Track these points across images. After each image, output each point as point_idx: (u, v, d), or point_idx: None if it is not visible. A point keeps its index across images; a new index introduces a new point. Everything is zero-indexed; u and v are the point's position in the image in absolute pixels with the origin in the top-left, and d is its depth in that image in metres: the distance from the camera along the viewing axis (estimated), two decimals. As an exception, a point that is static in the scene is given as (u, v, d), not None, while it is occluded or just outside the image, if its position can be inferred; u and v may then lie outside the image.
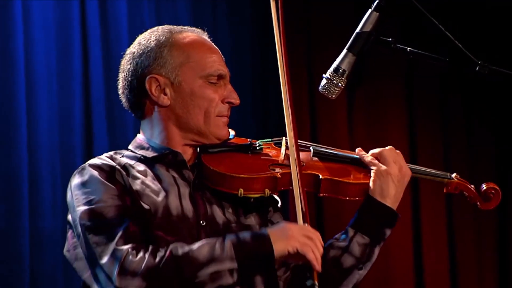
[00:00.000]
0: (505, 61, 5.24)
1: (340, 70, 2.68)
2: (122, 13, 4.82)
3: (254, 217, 2.71)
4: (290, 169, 2.59)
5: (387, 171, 2.72)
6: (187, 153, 2.75)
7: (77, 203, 2.56)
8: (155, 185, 2.64)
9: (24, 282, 4.43)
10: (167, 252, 2.44)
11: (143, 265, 2.42)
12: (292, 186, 2.60)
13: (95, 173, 2.60)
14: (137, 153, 2.74)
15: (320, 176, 2.70)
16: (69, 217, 2.62)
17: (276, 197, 2.81)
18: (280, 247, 2.49)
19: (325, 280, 2.65)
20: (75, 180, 2.62)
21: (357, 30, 2.67)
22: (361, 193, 2.73)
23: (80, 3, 4.70)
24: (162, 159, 2.71)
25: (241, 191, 2.63)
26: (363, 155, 2.78)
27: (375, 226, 2.70)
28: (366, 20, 2.66)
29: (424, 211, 5.70)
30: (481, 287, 5.77)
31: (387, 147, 2.78)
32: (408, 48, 2.66)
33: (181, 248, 2.46)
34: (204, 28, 2.89)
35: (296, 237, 2.51)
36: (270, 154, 2.80)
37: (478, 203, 2.86)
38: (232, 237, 2.50)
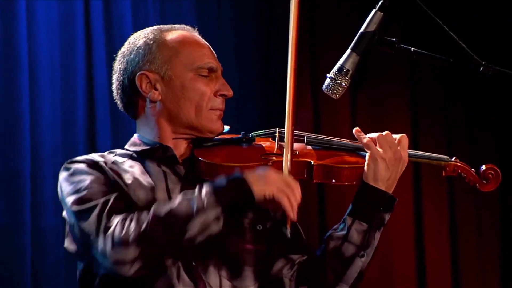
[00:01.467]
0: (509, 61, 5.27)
1: (344, 70, 2.68)
2: (126, 11, 4.82)
3: (248, 212, 2.70)
4: (283, 158, 2.60)
5: (381, 155, 2.70)
6: (180, 148, 2.76)
7: (66, 195, 2.58)
8: (143, 180, 2.64)
9: (26, 279, 4.43)
10: (150, 216, 2.44)
11: (131, 234, 2.42)
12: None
13: (80, 165, 2.63)
14: (129, 150, 2.77)
15: (312, 163, 2.70)
16: (64, 213, 2.64)
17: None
18: (257, 190, 2.49)
19: (328, 271, 2.68)
20: (62, 175, 2.64)
21: (361, 30, 2.67)
22: (354, 178, 2.73)
23: (84, 1, 4.70)
24: (152, 154, 2.72)
25: None
26: (360, 135, 2.77)
27: (371, 211, 2.68)
28: (370, 20, 2.66)
29: (426, 210, 5.70)
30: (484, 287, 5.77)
31: (384, 132, 2.76)
32: (412, 48, 2.66)
33: (162, 208, 2.46)
34: (195, 26, 2.89)
35: (274, 183, 2.50)
36: (263, 144, 2.81)
37: (477, 184, 2.84)
38: (207, 186, 2.49)
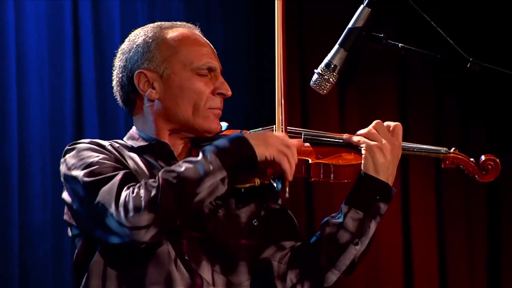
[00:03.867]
0: (498, 57, 5.29)
1: (332, 66, 2.68)
2: (115, 8, 4.82)
3: (245, 207, 2.72)
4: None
5: (376, 145, 2.70)
6: (177, 147, 2.76)
7: (75, 170, 2.57)
8: (146, 170, 2.66)
9: (14, 275, 4.43)
10: (161, 181, 2.46)
11: (143, 200, 2.44)
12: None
13: (85, 144, 2.65)
14: (128, 143, 2.76)
15: (310, 161, 2.69)
16: (64, 194, 2.64)
17: (271, 182, 2.79)
18: (258, 152, 2.54)
19: (322, 256, 2.68)
20: (69, 153, 2.63)
21: (349, 25, 2.67)
22: (352, 175, 2.72)
23: (72, 0, 4.70)
24: (150, 150, 2.72)
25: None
26: (350, 136, 2.76)
27: (368, 200, 2.68)
28: (358, 15, 2.66)
29: (413, 207, 5.71)
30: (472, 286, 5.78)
31: (374, 122, 2.76)
32: (400, 44, 2.66)
33: (170, 174, 2.48)
34: (197, 23, 2.88)
35: (274, 145, 2.56)
36: None
37: (476, 176, 2.81)
38: (212, 148, 2.53)
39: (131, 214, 2.44)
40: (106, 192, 2.49)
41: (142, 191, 2.46)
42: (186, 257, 2.59)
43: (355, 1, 2.78)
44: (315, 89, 2.71)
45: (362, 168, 2.70)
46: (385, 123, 2.76)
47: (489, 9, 5.67)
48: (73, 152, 2.62)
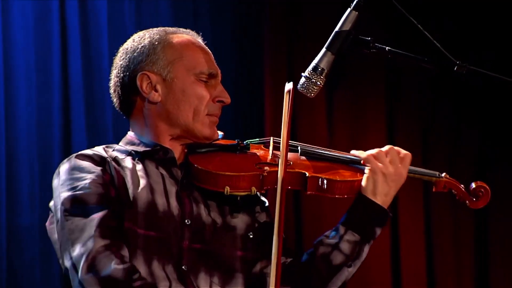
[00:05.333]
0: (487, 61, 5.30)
1: (319, 69, 2.68)
2: (102, 10, 4.80)
3: (240, 217, 2.73)
4: (277, 168, 2.58)
5: (381, 169, 2.71)
6: (176, 152, 2.76)
7: (61, 188, 2.57)
8: (143, 180, 2.64)
9: (1, 278, 4.42)
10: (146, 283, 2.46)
11: (110, 272, 2.43)
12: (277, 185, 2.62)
13: (85, 161, 2.62)
14: (128, 149, 2.75)
15: (307, 174, 2.70)
16: (51, 203, 2.63)
17: (263, 198, 2.83)
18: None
19: (314, 276, 2.69)
20: (64, 166, 2.63)
21: (336, 29, 2.68)
22: (347, 191, 2.73)
23: (59, 1, 4.69)
24: (152, 155, 2.72)
25: (227, 189, 2.64)
26: (359, 154, 2.78)
27: (365, 224, 2.70)
28: (345, 19, 2.66)
29: (401, 211, 5.71)
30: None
31: (386, 147, 2.78)
32: (387, 48, 2.67)
33: None
34: (199, 32, 2.91)
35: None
36: (257, 153, 2.81)
37: (467, 201, 2.84)
38: None
39: (90, 270, 2.44)
40: (79, 229, 2.49)
41: (120, 267, 2.44)
42: (183, 268, 2.59)
43: (342, 4, 2.78)
44: (303, 92, 2.71)
45: (361, 188, 2.72)
46: (396, 148, 2.78)
47: (477, 12, 5.68)
48: (67, 167, 2.62)
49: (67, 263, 2.48)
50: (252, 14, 5.35)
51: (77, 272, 2.45)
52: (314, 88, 2.69)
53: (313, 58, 2.70)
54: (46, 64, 4.65)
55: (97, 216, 2.49)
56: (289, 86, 2.44)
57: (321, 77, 2.68)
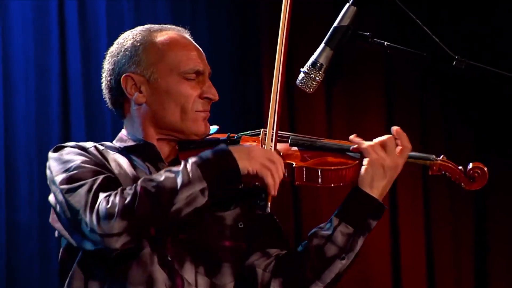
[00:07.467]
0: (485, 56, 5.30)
1: (318, 64, 2.68)
2: (101, 9, 4.81)
3: (230, 210, 2.71)
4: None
5: (380, 161, 2.69)
6: (164, 149, 2.76)
7: (55, 173, 2.59)
8: (129, 172, 2.66)
9: (0, 275, 4.42)
10: (138, 189, 2.46)
11: (116, 207, 2.44)
12: None
13: (69, 148, 2.65)
14: (116, 145, 2.77)
15: (294, 164, 2.68)
16: (50, 197, 2.63)
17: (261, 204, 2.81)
18: (241, 165, 2.51)
19: (307, 268, 2.67)
20: (52, 156, 2.65)
21: (335, 24, 2.68)
22: (336, 180, 2.69)
23: (58, 0, 4.69)
24: (137, 150, 2.73)
25: None
26: (359, 141, 2.74)
27: (359, 216, 2.67)
28: (344, 14, 2.66)
29: (401, 207, 5.71)
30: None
31: (386, 136, 2.75)
32: (386, 43, 2.66)
33: (148, 183, 2.48)
34: (186, 26, 2.88)
35: (258, 159, 2.53)
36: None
37: (463, 183, 2.77)
38: (194, 159, 2.51)
39: (103, 221, 2.45)
40: (82, 197, 2.50)
41: (117, 198, 2.46)
42: (169, 258, 2.59)
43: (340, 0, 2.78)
44: (302, 87, 2.71)
45: (358, 181, 2.69)
46: (397, 138, 2.75)
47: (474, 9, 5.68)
48: (56, 155, 2.64)
49: (86, 230, 2.50)
50: (250, 13, 5.34)
51: (95, 231, 2.46)
52: (313, 84, 2.69)
53: (311, 54, 2.70)
54: (45, 61, 4.66)
55: (96, 182, 2.52)
56: None
57: (320, 72, 2.68)
